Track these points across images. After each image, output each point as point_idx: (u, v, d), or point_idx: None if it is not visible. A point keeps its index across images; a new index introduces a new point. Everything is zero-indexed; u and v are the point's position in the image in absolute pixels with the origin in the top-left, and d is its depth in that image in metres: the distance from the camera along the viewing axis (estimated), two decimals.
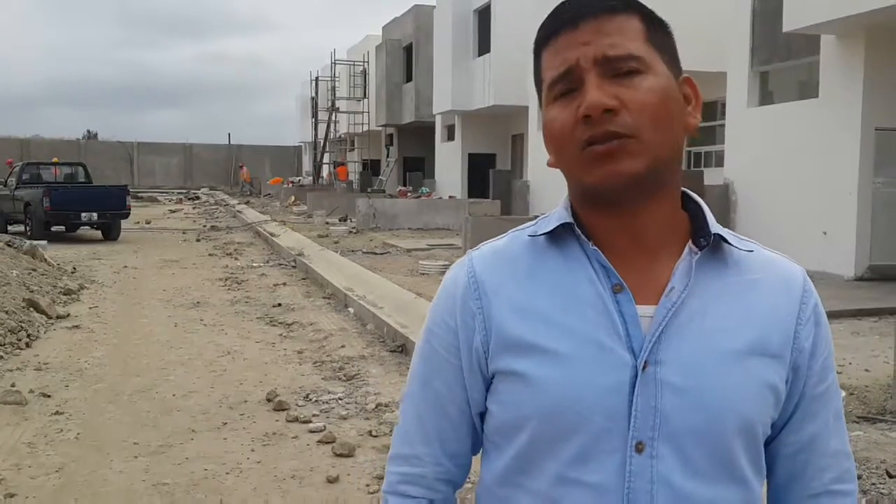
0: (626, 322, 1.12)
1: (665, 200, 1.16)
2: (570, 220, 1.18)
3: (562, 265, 1.18)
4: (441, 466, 1.26)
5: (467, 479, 1.33)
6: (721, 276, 1.17)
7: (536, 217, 1.27)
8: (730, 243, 1.18)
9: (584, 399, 1.11)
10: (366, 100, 42.20)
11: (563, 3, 1.17)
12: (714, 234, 1.17)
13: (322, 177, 44.18)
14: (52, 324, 9.31)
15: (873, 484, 4.35)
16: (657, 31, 1.16)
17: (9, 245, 13.51)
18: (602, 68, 1.10)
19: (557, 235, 1.20)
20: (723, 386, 1.11)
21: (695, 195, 1.23)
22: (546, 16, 1.19)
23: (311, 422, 5.83)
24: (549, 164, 1.20)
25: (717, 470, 1.11)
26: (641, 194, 1.13)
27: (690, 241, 1.17)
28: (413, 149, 38.51)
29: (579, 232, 1.17)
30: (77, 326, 9.29)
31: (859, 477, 4.35)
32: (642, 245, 1.16)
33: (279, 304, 10.94)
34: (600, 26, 1.12)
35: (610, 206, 1.15)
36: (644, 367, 1.10)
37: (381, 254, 16.49)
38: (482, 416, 1.24)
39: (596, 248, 1.16)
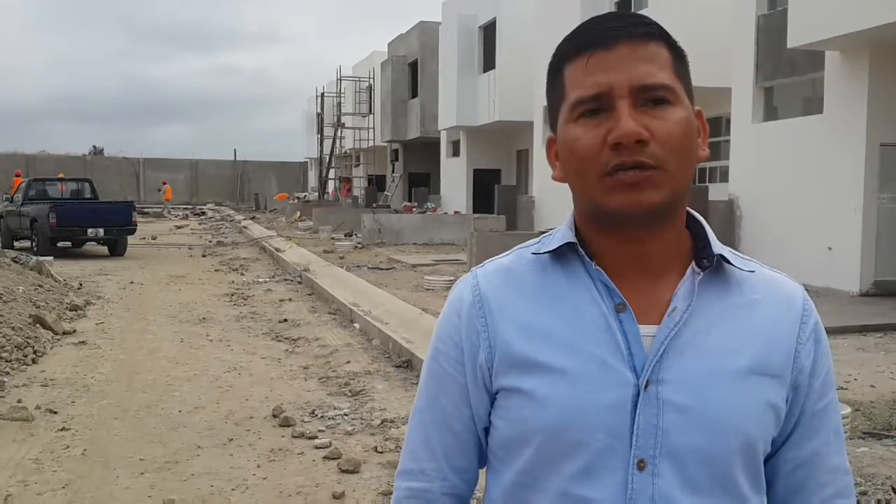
0: (629, 341, 1.14)
1: (672, 228, 1.18)
2: (573, 239, 1.19)
3: (565, 284, 1.19)
4: (447, 481, 1.28)
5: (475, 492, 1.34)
6: (723, 296, 1.18)
7: (542, 233, 1.28)
8: (732, 264, 1.20)
9: (586, 417, 1.12)
10: (371, 115, 42.33)
11: (594, 20, 1.16)
12: (717, 254, 1.18)
13: (328, 192, 44.27)
14: (59, 340, 9.33)
15: (879, 500, 4.34)
16: (680, 61, 1.17)
17: (15, 261, 13.56)
18: (636, 97, 1.10)
19: (561, 254, 1.21)
20: (725, 405, 1.12)
21: (697, 214, 1.24)
22: (576, 27, 1.18)
23: (316, 437, 5.83)
24: (556, 179, 1.21)
25: (715, 487, 1.13)
26: (656, 223, 1.14)
27: (693, 262, 1.19)
28: (418, 164, 38.60)
29: (582, 252, 1.19)
30: (83, 342, 9.30)
31: (865, 493, 4.34)
32: (646, 268, 1.18)
33: (285, 320, 10.96)
34: (635, 51, 1.12)
35: (619, 231, 1.16)
36: (646, 386, 1.12)
37: (386, 269, 16.51)
38: (486, 430, 1.26)
39: (599, 268, 1.17)
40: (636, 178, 1.09)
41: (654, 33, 1.14)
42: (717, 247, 1.19)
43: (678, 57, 1.16)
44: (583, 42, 1.14)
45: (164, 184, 51.98)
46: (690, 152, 1.14)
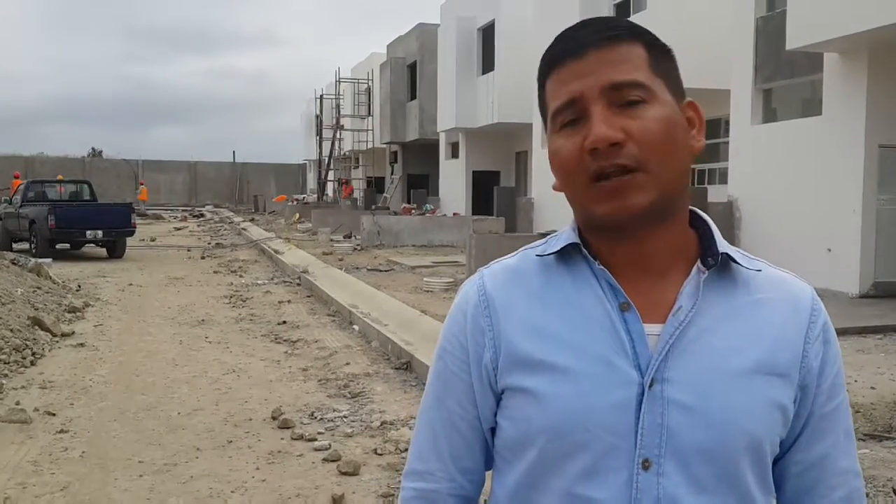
0: (634, 340, 1.13)
1: (673, 226, 1.17)
2: (577, 240, 1.20)
3: (570, 284, 1.20)
4: (454, 482, 1.28)
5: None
6: (729, 295, 1.18)
7: (547, 235, 1.28)
8: (738, 263, 1.19)
9: (591, 416, 1.12)
10: (370, 117, 42.36)
11: (565, 32, 1.18)
12: (722, 253, 1.17)
13: (327, 194, 44.28)
14: (57, 342, 9.31)
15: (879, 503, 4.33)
16: (660, 57, 1.17)
17: (14, 263, 13.55)
18: (608, 98, 1.11)
19: (566, 255, 1.22)
20: (730, 405, 1.12)
21: (703, 213, 1.23)
22: (551, 42, 1.20)
23: (316, 440, 5.82)
24: (556, 189, 1.22)
25: (722, 487, 1.12)
26: (649, 224, 1.14)
27: (699, 261, 1.18)
28: (417, 166, 38.60)
29: (586, 252, 1.19)
30: (82, 344, 9.29)
31: (866, 495, 4.33)
32: (648, 267, 1.17)
33: (284, 322, 10.95)
34: (605, 56, 1.13)
35: (617, 234, 1.16)
36: (651, 385, 1.11)
37: (385, 271, 16.51)
38: (492, 430, 1.26)
39: (603, 267, 1.17)
40: (618, 185, 1.10)
41: (622, 35, 1.14)
42: (723, 245, 1.19)
43: (657, 53, 1.16)
44: (555, 55, 1.17)
45: (141, 184, 52.47)
46: (674, 149, 1.13)
